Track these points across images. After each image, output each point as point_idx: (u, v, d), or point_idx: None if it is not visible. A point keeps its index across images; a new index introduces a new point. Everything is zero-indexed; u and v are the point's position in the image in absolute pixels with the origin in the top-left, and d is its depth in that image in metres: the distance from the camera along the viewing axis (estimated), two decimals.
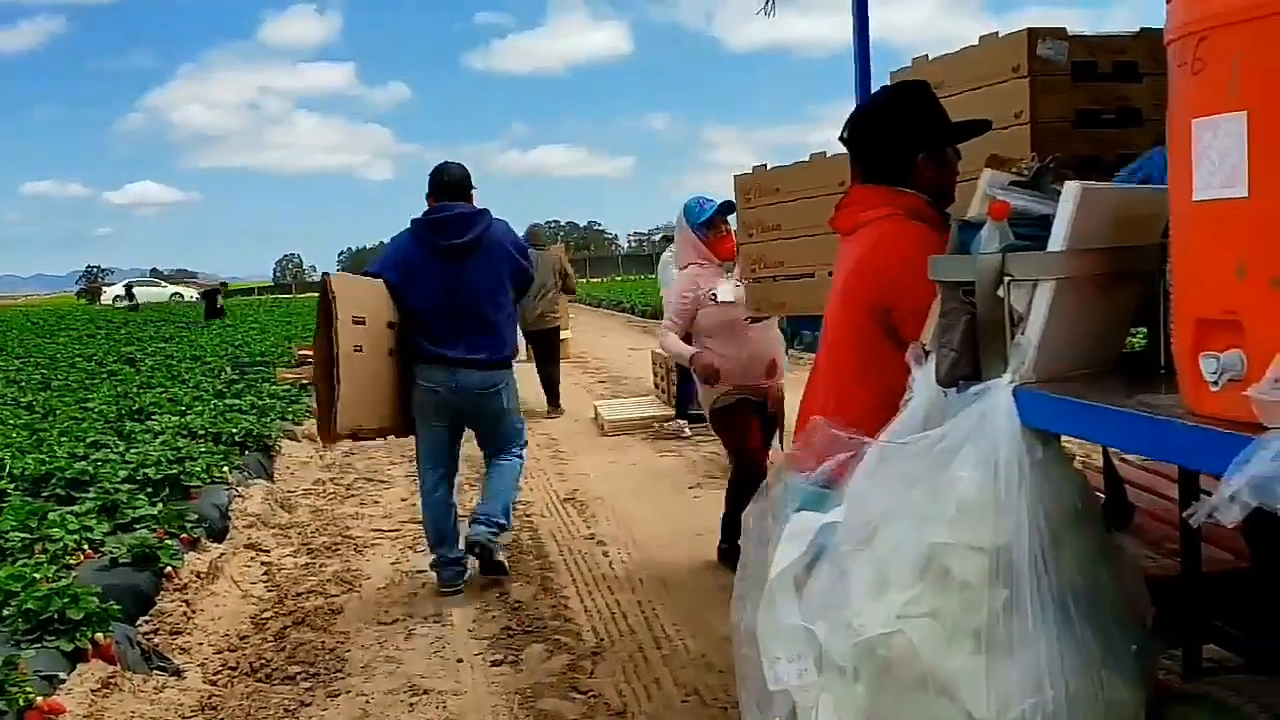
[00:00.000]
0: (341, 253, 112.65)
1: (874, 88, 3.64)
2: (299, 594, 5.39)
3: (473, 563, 5.33)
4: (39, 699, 3.51)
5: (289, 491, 7.72)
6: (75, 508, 5.60)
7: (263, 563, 6.04)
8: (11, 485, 6.38)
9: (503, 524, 5.35)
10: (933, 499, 1.89)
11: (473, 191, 5.38)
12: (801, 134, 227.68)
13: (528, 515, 6.65)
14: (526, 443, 5.74)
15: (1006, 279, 1.84)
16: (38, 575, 4.29)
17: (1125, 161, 2.42)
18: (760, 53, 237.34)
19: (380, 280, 5.12)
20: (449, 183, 5.31)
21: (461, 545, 5.29)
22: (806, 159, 3.47)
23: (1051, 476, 1.82)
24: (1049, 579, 1.79)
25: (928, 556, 1.88)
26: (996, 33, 2.78)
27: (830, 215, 2.89)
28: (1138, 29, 2.73)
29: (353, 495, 7.71)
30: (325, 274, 5.90)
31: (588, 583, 5.20)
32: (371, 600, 5.23)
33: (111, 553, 4.97)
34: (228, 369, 13.48)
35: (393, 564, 5.85)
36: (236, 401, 9.96)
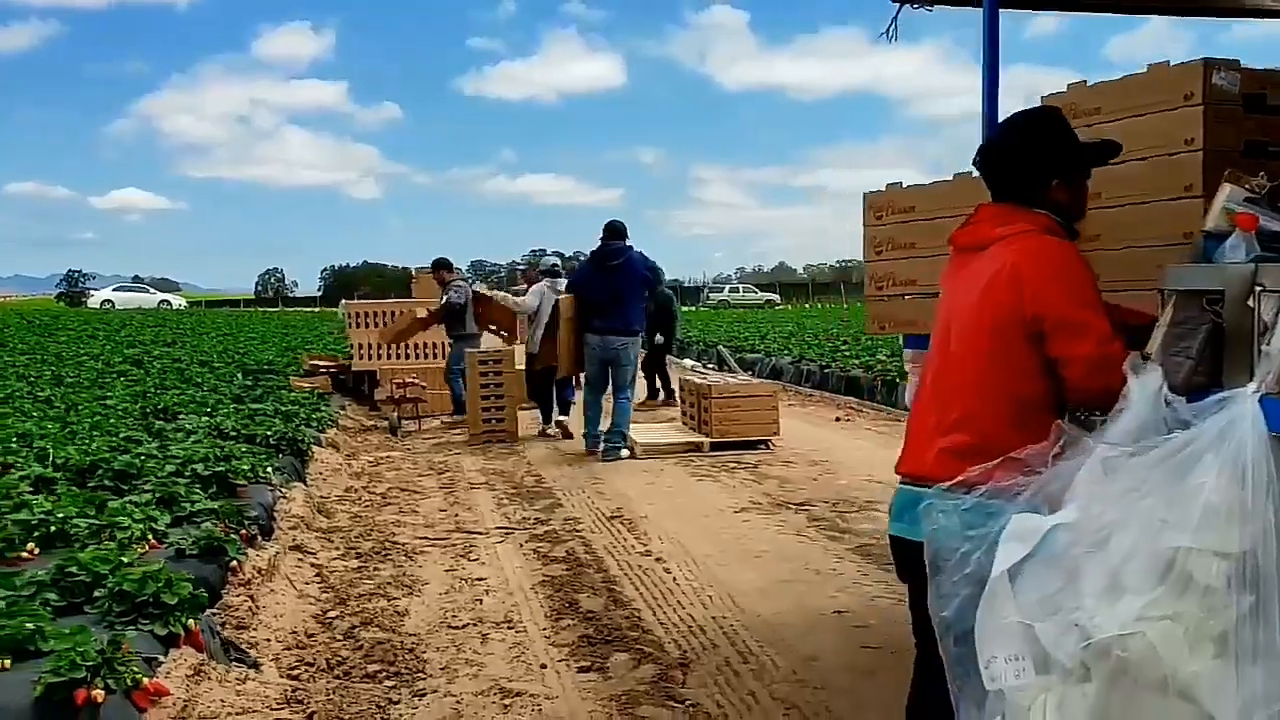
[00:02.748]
0: (324, 270, 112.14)
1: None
2: (359, 595, 5.36)
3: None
4: (145, 680, 3.47)
5: (322, 496, 7.69)
6: (134, 497, 5.55)
7: (312, 564, 6.00)
8: (57, 474, 6.32)
9: (624, 433, 9.47)
10: (1172, 505, 1.91)
11: (626, 232, 9.74)
12: (790, 176, 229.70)
13: (578, 530, 6.65)
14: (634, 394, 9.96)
15: (1258, 289, 1.88)
16: (125, 558, 4.25)
17: None
18: (751, 92, 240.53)
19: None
20: (613, 227, 9.73)
21: (603, 427, 9.52)
22: (949, 178, 3.54)
23: None
24: None
25: (1169, 561, 1.90)
26: (1167, 62, 2.85)
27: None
28: None
29: (390, 504, 7.69)
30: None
31: (656, 597, 5.19)
32: (435, 605, 5.20)
33: (178, 544, 4.93)
34: (239, 375, 13.40)
35: (448, 570, 5.83)
36: (260, 406, 9.90)
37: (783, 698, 3.92)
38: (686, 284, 66.73)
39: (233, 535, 5.23)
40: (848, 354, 17.86)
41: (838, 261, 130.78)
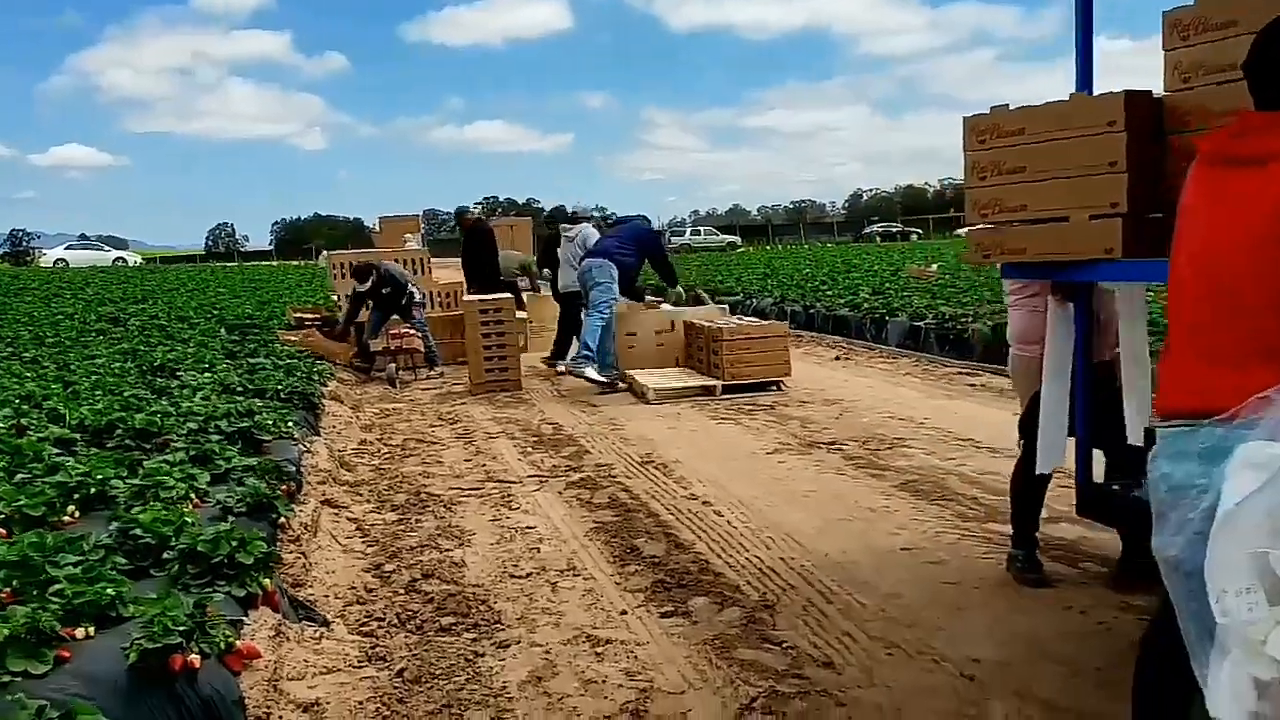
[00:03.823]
0: (275, 223, 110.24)
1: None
2: (409, 549, 5.24)
3: None
4: (237, 643, 3.34)
5: (339, 450, 7.52)
6: (168, 457, 5.36)
7: (349, 518, 5.88)
8: (74, 435, 6.10)
9: (589, 351, 10.03)
10: None
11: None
12: (740, 117, 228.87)
13: (613, 476, 6.55)
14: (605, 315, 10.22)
15: None
16: (190, 519, 4.09)
17: None
18: (701, 33, 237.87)
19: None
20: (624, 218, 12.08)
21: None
22: (1065, 98, 3.41)
23: None
24: None
25: None
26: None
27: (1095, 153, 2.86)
28: None
29: (411, 455, 7.55)
30: None
31: (716, 540, 5.12)
32: (491, 555, 5.09)
33: (224, 502, 4.77)
34: (222, 330, 13.11)
35: (492, 520, 5.72)
36: (260, 361, 9.67)
37: (879, 636, 3.87)
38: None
39: (278, 491, 5.07)
40: (830, 293, 17.85)
41: (792, 202, 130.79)
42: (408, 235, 15.07)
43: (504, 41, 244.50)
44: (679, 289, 12.06)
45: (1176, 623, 2.33)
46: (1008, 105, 3.55)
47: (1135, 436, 4.06)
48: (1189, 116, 3.10)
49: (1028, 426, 4.36)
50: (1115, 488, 4.08)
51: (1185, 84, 3.09)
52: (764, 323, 10.36)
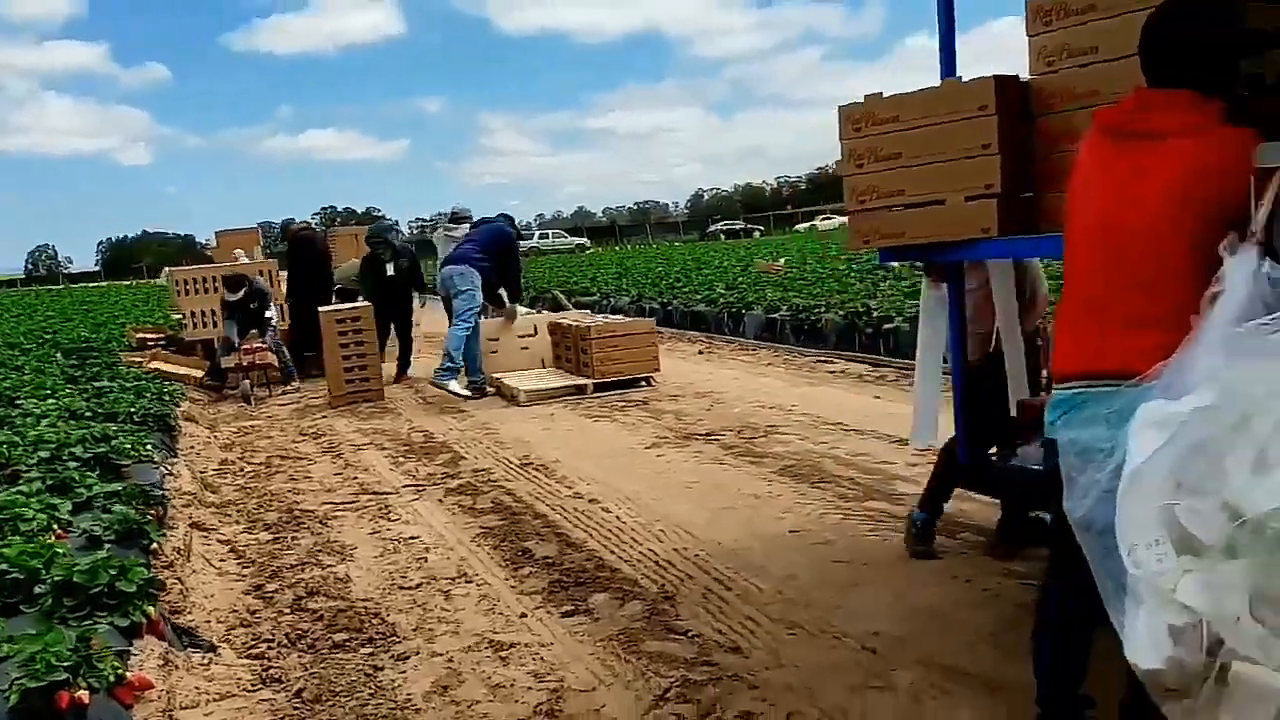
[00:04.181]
0: (101, 243, 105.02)
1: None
2: (289, 567, 5.06)
3: None
4: (127, 675, 3.16)
5: (201, 471, 7.22)
6: (23, 487, 5.04)
7: (220, 540, 5.64)
8: None
9: (450, 362, 9.71)
10: None
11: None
12: (580, 119, 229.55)
13: (493, 480, 6.47)
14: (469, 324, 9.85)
15: None
16: (60, 550, 3.85)
17: None
18: (535, 37, 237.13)
19: None
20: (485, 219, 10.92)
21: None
22: (937, 84, 3.53)
23: None
24: None
25: None
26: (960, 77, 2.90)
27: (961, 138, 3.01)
28: None
29: (278, 472, 7.29)
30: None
31: (608, 536, 5.11)
32: (377, 568, 4.96)
33: (89, 530, 4.52)
34: (59, 355, 12.38)
35: (373, 533, 5.57)
36: (106, 384, 9.18)
37: (780, 618, 3.93)
38: None
39: (148, 516, 4.83)
40: (686, 290, 18.08)
41: (636, 203, 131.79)
42: (238, 250, 14.41)
43: (334, 48, 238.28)
44: (516, 306, 10.79)
45: (1067, 583, 2.45)
46: (880, 93, 3.65)
47: (1012, 408, 4.25)
48: (1054, 98, 3.26)
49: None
50: (994, 459, 4.25)
51: (1050, 67, 3.24)
52: (631, 320, 10.40)
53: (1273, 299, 2.12)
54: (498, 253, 10.32)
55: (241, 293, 10.99)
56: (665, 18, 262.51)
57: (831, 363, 10.48)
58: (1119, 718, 2.54)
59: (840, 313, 12.03)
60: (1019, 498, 4.24)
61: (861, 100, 3.69)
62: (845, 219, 4.04)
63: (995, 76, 3.29)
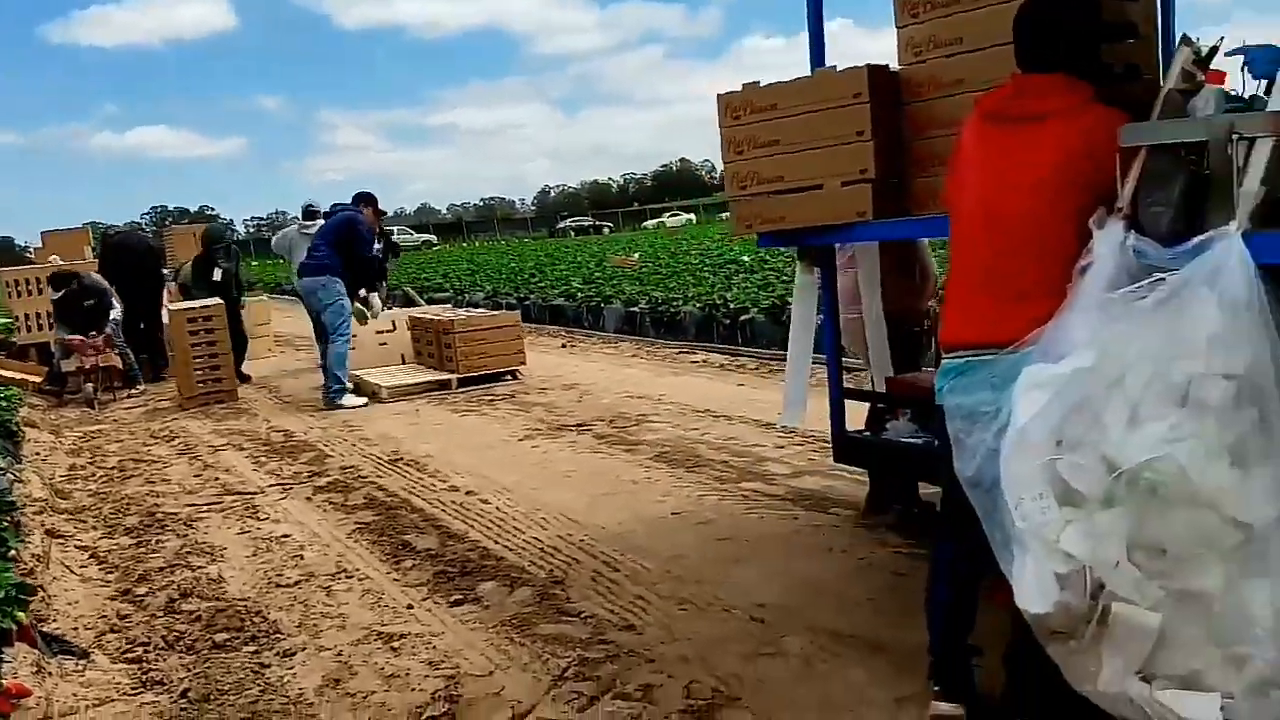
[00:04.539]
0: None
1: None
2: (157, 570, 4.89)
3: None
4: (4, 682, 3.02)
5: (50, 477, 6.87)
6: None
7: (78, 546, 5.41)
8: None
9: (337, 381, 9.00)
10: (1180, 339, 2.13)
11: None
12: (422, 116, 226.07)
13: (363, 477, 6.37)
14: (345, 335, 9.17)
15: (1235, 137, 2.13)
16: None
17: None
18: (373, 31, 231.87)
19: None
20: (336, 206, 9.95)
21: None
22: (810, 74, 3.67)
23: (1276, 309, 2.13)
24: None
25: (1183, 388, 2.13)
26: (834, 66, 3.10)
27: (841, 126, 3.19)
28: None
29: (132, 476, 7.00)
30: None
31: (489, 527, 5.10)
32: (251, 568, 4.84)
33: None
34: None
35: (242, 533, 5.42)
36: None
37: (670, 595, 4.02)
38: None
39: (4, 524, 4.59)
40: (542, 285, 18.09)
41: (482, 199, 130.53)
42: (54, 256, 13.59)
43: (162, 42, 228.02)
44: (365, 307, 9.70)
45: (959, 540, 2.61)
46: (757, 82, 3.77)
47: (879, 385, 4.44)
48: (922, 87, 3.44)
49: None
50: (865, 434, 4.44)
51: (918, 58, 3.42)
52: (495, 313, 10.34)
53: (1137, 269, 2.30)
54: (342, 244, 9.25)
55: (64, 291, 10.46)
56: (505, 14, 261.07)
57: (692, 353, 10.66)
58: (1002, 664, 2.71)
59: (698, 305, 12.26)
60: (900, 469, 4.44)
61: (739, 89, 3.80)
62: (692, 216, 4.15)
63: (868, 66, 3.45)
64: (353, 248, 9.24)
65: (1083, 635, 2.24)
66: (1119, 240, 2.34)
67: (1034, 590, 2.27)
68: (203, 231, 12.08)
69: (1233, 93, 2.30)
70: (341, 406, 8.90)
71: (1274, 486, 2.09)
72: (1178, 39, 2.39)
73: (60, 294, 10.43)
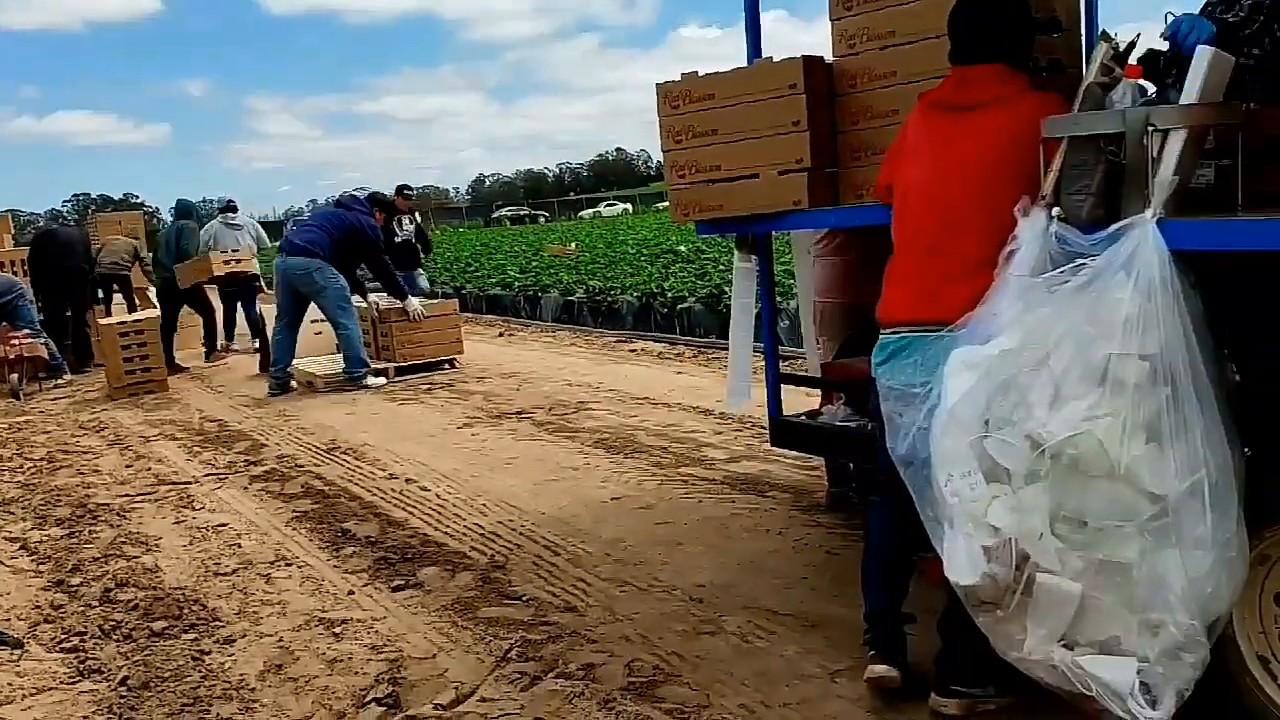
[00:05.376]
0: None
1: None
2: (91, 560, 4.84)
3: None
4: None
5: None
6: None
7: (7, 538, 5.33)
8: None
9: (362, 362, 8.97)
10: (1098, 321, 2.24)
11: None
12: (354, 103, 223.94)
13: (300, 466, 6.34)
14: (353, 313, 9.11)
15: (1150, 128, 2.24)
16: None
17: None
18: (301, 17, 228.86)
19: None
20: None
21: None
22: (747, 64, 3.74)
23: (1188, 292, 2.25)
24: (1196, 376, 2.21)
25: (1102, 368, 2.24)
26: (771, 58, 3.19)
27: (785, 115, 3.27)
28: None
29: (62, 467, 6.88)
30: None
31: (430, 514, 5.12)
32: (187, 557, 4.80)
33: None
34: None
35: (177, 523, 5.37)
36: None
37: (611, 577, 4.07)
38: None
39: None
40: (479, 275, 18.03)
41: (416, 188, 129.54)
42: None
43: (83, 24, 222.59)
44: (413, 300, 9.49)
45: (892, 515, 2.70)
46: (696, 72, 3.83)
47: (813, 369, 4.54)
48: (855, 79, 3.52)
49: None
50: (803, 419, 4.53)
51: (851, 50, 3.50)
52: (433, 302, 10.30)
53: (1060, 254, 2.40)
54: (345, 245, 9.00)
55: None
56: (438, 1, 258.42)
57: (630, 342, 10.72)
58: (937, 629, 2.80)
59: (635, 294, 12.33)
60: (836, 452, 4.53)
61: (678, 79, 3.85)
62: (628, 206, 4.19)
63: (804, 57, 3.52)
64: (361, 252, 9.14)
65: (1009, 605, 2.35)
66: (1042, 227, 2.44)
67: (963, 563, 2.37)
68: (175, 204, 12.33)
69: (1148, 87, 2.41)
70: (366, 388, 8.83)
71: (1186, 461, 2.20)
72: (1098, 34, 2.49)
73: None
